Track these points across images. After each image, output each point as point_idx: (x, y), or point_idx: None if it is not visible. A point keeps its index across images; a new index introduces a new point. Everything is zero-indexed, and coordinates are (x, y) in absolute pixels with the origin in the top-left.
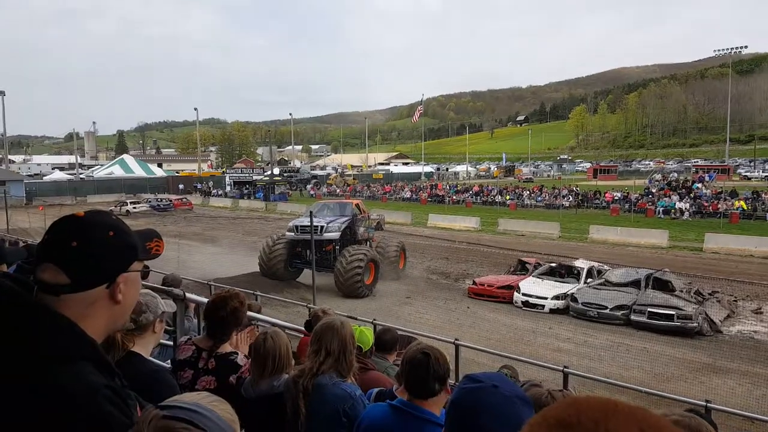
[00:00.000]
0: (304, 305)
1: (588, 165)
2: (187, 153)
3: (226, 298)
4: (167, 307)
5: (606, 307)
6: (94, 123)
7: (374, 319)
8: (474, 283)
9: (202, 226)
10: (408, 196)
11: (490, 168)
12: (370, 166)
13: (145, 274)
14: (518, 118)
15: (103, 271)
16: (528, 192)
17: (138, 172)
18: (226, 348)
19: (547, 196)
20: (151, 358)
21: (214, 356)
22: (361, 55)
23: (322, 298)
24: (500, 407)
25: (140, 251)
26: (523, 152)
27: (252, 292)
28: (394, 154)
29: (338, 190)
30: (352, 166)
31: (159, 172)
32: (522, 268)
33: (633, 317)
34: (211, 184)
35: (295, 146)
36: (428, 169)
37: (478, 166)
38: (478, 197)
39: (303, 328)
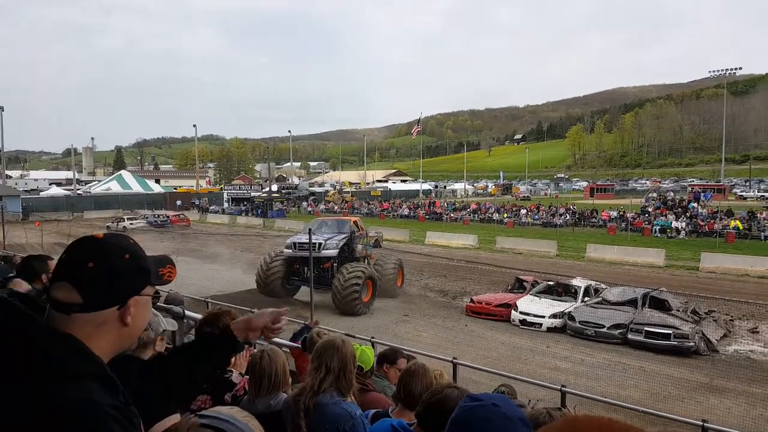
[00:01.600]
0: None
1: (585, 184)
2: (185, 169)
3: (217, 315)
4: (168, 325)
5: (603, 326)
6: (92, 139)
7: (372, 337)
8: (472, 301)
9: (199, 243)
10: (406, 213)
11: (487, 186)
12: (368, 183)
13: (155, 298)
14: (516, 137)
15: (115, 292)
16: (525, 210)
17: (135, 188)
18: None
19: (544, 215)
20: None
21: None
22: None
23: (319, 316)
24: (500, 427)
25: (153, 276)
26: (521, 170)
27: (249, 309)
28: (393, 171)
29: (336, 207)
30: (351, 183)
31: (157, 188)
32: (520, 287)
33: (630, 336)
34: (205, 200)
35: (293, 163)
36: (426, 186)
37: (475, 184)
38: (476, 215)
39: (299, 346)
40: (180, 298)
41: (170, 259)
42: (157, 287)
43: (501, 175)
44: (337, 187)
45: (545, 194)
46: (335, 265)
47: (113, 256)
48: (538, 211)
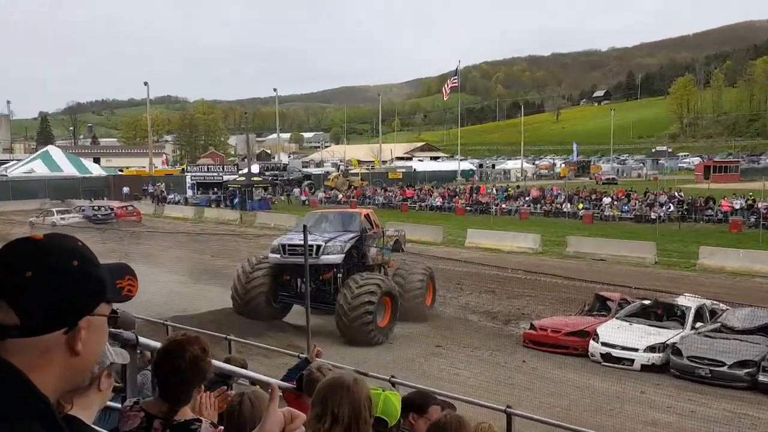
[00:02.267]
0: (294, 355)
1: (696, 160)
2: (133, 144)
3: (182, 344)
4: (117, 357)
5: (723, 364)
6: (8, 103)
7: (392, 377)
8: (532, 327)
9: (154, 245)
10: (438, 203)
11: (555, 164)
12: (384, 162)
13: (112, 320)
14: (595, 94)
15: (62, 311)
16: (610, 199)
17: (68, 169)
18: (186, 413)
19: (637, 205)
20: (94, 427)
21: (169, 426)
22: (375, 7)
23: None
24: None
25: (109, 290)
26: (603, 142)
27: (223, 335)
28: (419, 144)
29: (341, 196)
30: (360, 162)
31: (96, 170)
32: (601, 307)
33: (761, 378)
34: (162, 186)
35: (281, 134)
36: (467, 165)
37: (537, 162)
38: (538, 206)
39: (292, 386)
40: (130, 320)
41: (129, 268)
42: (114, 305)
43: (574, 149)
44: (342, 168)
45: (639, 176)
46: (340, 276)
47: (58, 264)
48: (629, 200)
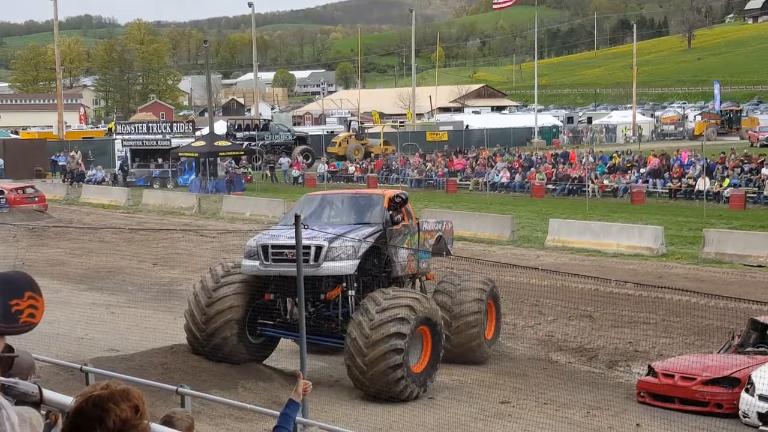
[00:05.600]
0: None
1: None
2: (35, 90)
3: (104, 401)
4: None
5: None
6: None
7: None
8: (651, 372)
9: (68, 248)
10: (504, 180)
11: (686, 116)
12: (420, 116)
13: (5, 361)
14: (748, 6)
15: None
16: None
17: None
18: None
19: None
20: None
21: None
22: None
23: (323, 399)
24: None
25: (1, 315)
26: (761, 80)
27: (173, 386)
28: (474, 88)
29: (352, 167)
30: (383, 117)
31: None
32: (759, 339)
33: None
34: (78, 156)
35: (260, 74)
36: (548, 119)
37: (658, 113)
38: (660, 182)
39: None
40: (30, 363)
41: (30, 282)
42: (7, 338)
43: (716, 92)
44: (355, 126)
45: None
46: (352, 293)
47: None
48: None
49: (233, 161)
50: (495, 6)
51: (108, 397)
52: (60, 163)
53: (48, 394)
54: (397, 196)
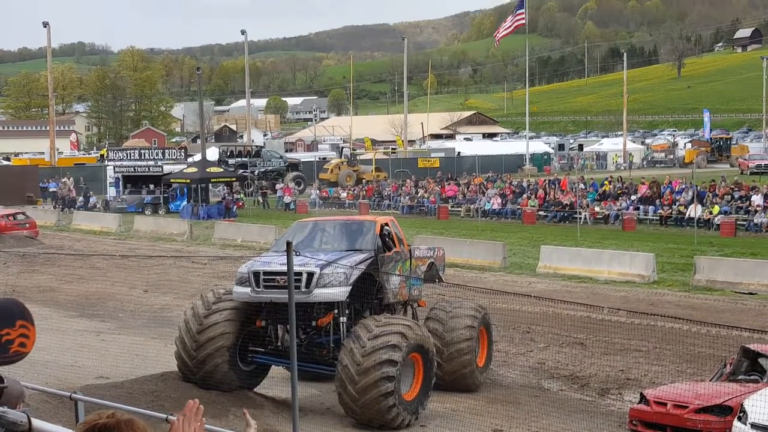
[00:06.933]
0: None
1: None
2: (26, 117)
3: (110, 429)
4: None
5: None
6: None
7: None
8: (643, 399)
9: (58, 275)
10: (496, 207)
11: (676, 144)
12: (412, 143)
13: None
14: (738, 34)
15: None
16: (762, 197)
17: None
18: None
19: None
20: None
21: None
22: None
23: (311, 429)
24: None
25: None
26: (751, 108)
27: (163, 414)
28: (466, 115)
29: (344, 194)
30: (375, 143)
31: None
32: (750, 367)
33: None
34: (70, 182)
35: (252, 101)
36: (539, 146)
37: (649, 141)
38: (651, 209)
39: None
40: (19, 391)
41: (22, 310)
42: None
43: (706, 120)
44: (347, 152)
45: None
46: (344, 320)
47: None
48: None
49: (224, 188)
50: (498, 38)
51: (114, 426)
52: (51, 190)
53: (37, 423)
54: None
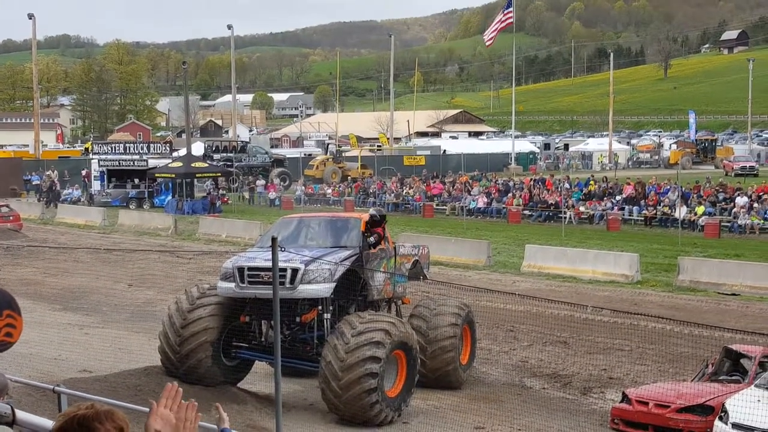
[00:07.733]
0: None
1: None
2: (10, 109)
3: (89, 420)
4: None
5: None
6: None
7: None
8: (625, 399)
9: (42, 267)
10: (481, 205)
11: (660, 144)
12: (398, 140)
13: None
14: (724, 36)
15: None
16: (747, 199)
17: None
18: None
19: None
20: None
21: None
22: None
23: (299, 425)
24: None
25: None
26: (737, 110)
27: (145, 408)
28: (452, 113)
29: (329, 190)
30: (361, 141)
31: None
32: (733, 368)
33: None
34: (54, 175)
35: (238, 96)
36: (525, 146)
37: (634, 141)
38: (636, 209)
39: None
40: (3, 383)
41: (9, 300)
42: None
43: (692, 121)
44: (333, 149)
45: None
46: (328, 317)
47: None
48: None
49: (210, 183)
50: (488, 43)
51: (93, 417)
52: (34, 183)
53: (20, 414)
54: (375, 215)
